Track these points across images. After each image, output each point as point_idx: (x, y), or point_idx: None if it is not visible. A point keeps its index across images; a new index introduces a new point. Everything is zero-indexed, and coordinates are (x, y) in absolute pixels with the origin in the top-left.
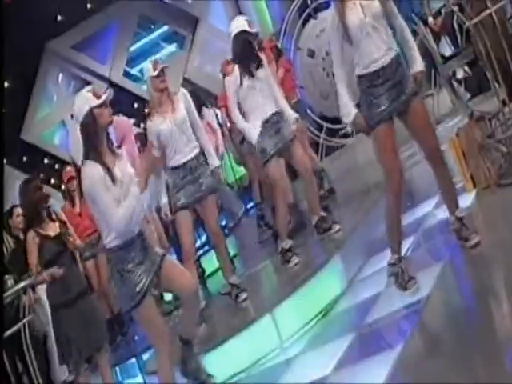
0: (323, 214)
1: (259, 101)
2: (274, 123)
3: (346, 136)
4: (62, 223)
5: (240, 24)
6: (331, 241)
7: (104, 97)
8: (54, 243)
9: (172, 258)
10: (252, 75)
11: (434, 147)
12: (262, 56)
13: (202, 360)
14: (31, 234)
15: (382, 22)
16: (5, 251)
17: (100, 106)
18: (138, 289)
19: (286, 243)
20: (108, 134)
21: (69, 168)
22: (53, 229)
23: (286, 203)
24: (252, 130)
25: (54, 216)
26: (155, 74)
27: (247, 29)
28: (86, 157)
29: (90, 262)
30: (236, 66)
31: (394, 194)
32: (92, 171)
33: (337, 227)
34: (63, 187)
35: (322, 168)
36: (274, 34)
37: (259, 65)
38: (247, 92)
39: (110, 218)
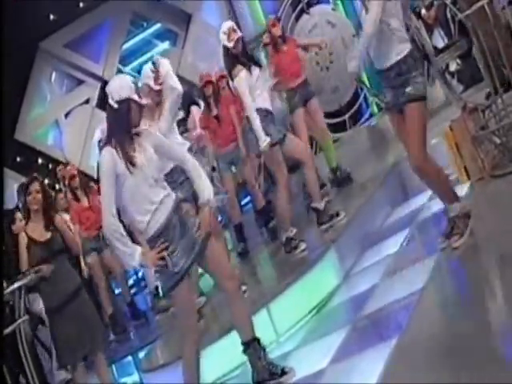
0: (322, 207)
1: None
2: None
3: (340, 130)
4: (56, 231)
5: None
6: (328, 233)
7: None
8: (40, 248)
9: (219, 242)
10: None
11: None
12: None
13: (268, 356)
14: (22, 235)
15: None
16: None
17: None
18: (176, 269)
19: (291, 231)
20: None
21: (69, 167)
22: (43, 234)
23: (287, 191)
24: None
25: (50, 223)
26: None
27: (225, 43)
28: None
29: (93, 257)
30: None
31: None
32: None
33: (338, 217)
34: (60, 186)
35: None
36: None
37: (255, 65)
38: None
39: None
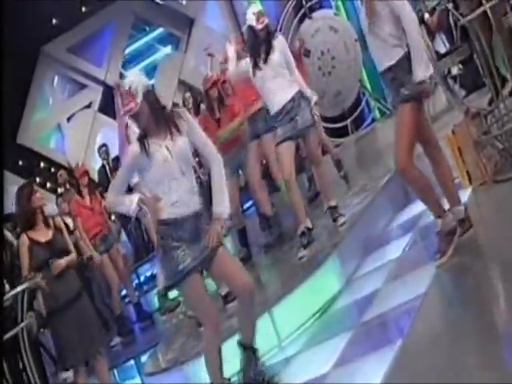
0: (334, 203)
1: (271, 87)
2: (288, 111)
3: (342, 135)
4: (58, 230)
5: (249, 18)
6: (329, 238)
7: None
8: (43, 249)
9: (228, 251)
10: (259, 66)
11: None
12: (275, 42)
13: (263, 365)
14: (23, 237)
15: None
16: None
17: None
18: (180, 267)
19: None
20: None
21: (81, 163)
22: (45, 235)
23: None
24: None
25: (50, 222)
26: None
27: (253, 24)
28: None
29: (105, 258)
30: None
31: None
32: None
33: (342, 220)
34: (62, 191)
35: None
36: None
37: (269, 52)
38: (259, 81)
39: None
